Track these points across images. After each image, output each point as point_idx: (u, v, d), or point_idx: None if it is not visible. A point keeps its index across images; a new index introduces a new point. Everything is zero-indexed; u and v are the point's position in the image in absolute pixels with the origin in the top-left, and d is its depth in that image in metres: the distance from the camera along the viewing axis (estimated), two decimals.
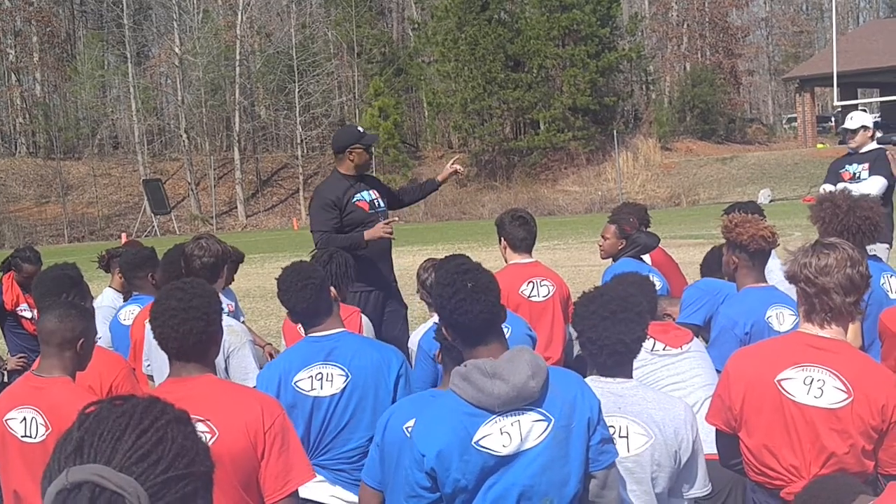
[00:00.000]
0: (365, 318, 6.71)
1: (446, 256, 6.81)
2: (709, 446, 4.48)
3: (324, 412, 5.05)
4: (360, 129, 8.57)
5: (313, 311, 5.19)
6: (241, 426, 3.81)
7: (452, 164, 8.86)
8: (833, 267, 4.02)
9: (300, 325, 5.46)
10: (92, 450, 1.79)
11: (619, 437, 4.17)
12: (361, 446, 5.04)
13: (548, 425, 3.66)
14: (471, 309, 3.74)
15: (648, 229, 8.58)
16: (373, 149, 8.58)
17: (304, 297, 5.14)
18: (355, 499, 4.94)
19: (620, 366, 4.23)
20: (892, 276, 6.10)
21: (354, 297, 7.41)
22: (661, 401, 4.34)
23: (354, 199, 8.23)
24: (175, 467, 1.82)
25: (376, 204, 8.29)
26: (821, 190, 10.15)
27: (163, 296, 4.01)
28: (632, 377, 4.32)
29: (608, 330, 4.13)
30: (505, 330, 5.76)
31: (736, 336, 5.51)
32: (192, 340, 3.90)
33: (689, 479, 4.33)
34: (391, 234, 8.08)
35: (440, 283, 3.87)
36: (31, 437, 4.43)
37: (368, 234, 7.98)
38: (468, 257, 6.72)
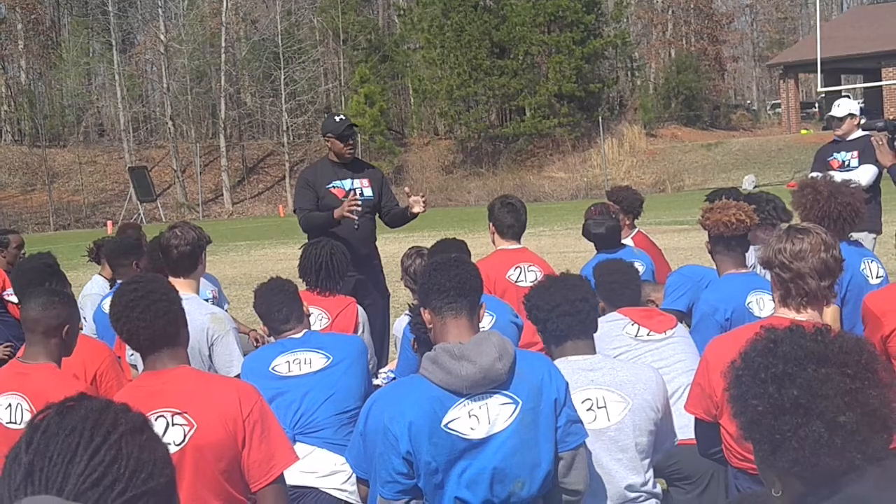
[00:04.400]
0: (360, 309, 6.75)
1: (442, 239, 6.88)
2: (689, 432, 4.53)
3: (304, 389, 5.15)
4: (339, 118, 8.49)
5: (286, 318, 5.40)
6: (219, 416, 3.81)
7: (414, 205, 8.31)
8: (807, 251, 4.05)
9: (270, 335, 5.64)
10: (42, 476, 1.68)
11: (598, 407, 4.26)
12: (346, 412, 5.17)
13: (515, 408, 3.73)
14: (446, 273, 3.92)
15: (637, 218, 8.60)
16: (356, 138, 8.46)
17: (277, 301, 5.40)
18: (337, 463, 5.03)
19: (573, 329, 4.36)
20: (871, 260, 6.13)
21: None
22: (629, 367, 4.50)
23: (330, 185, 8.26)
24: (133, 486, 1.70)
25: (358, 193, 8.25)
26: (808, 178, 10.13)
27: (117, 295, 4.00)
28: (595, 352, 4.43)
29: (553, 295, 4.34)
30: (489, 318, 5.85)
31: (717, 322, 5.54)
32: (162, 323, 3.89)
33: (665, 435, 4.49)
34: (355, 208, 7.95)
35: (430, 264, 4.08)
36: (15, 423, 4.45)
37: (336, 212, 8.01)
38: (464, 242, 6.77)
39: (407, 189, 8.48)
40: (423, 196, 8.34)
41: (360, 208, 7.98)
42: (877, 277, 6.03)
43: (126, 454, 1.72)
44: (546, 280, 4.59)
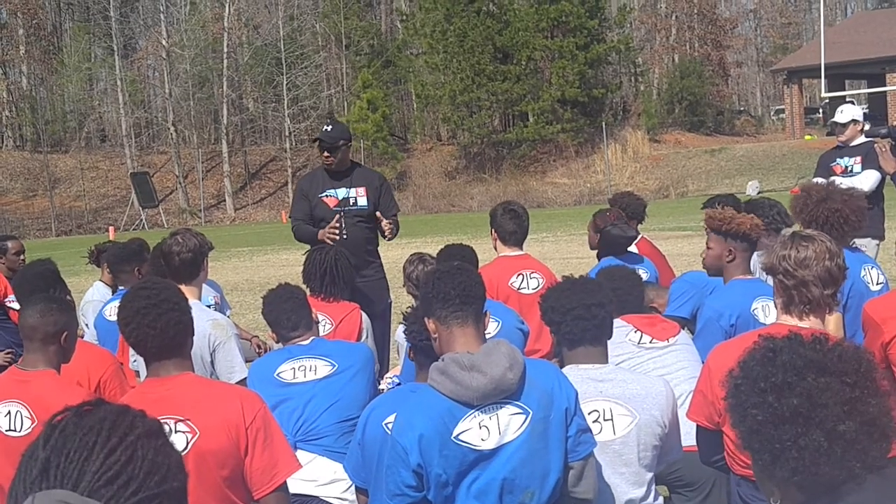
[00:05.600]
0: (364, 315, 6.73)
1: (449, 245, 6.86)
2: (691, 439, 4.51)
3: (308, 396, 5.18)
4: (326, 127, 8.38)
5: (294, 325, 5.44)
6: (222, 424, 3.80)
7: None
8: (812, 259, 4.03)
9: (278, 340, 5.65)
10: (58, 472, 1.70)
11: (604, 420, 4.22)
12: (349, 420, 5.14)
13: (525, 418, 3.69)
14: (450, 281, 3.88)
15: (640, 224, 8.55)
16: (338, 154, 8.24)
17: (287, 308, 5.44)
18: (337, 471, 5.01)
19: (587, 334, 4.31)
20: (872, 267, 6.11)
21: None
22: (640, 380, 4.44)
23: (322, 194, 8.20)
24: (146, 487, 1.73)
25: (351, 202, 8.14)
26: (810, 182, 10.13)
27: (128, 299, 3.97)
28: (607, 361, 4.38)
29: (569, 298, 4.29)
30: (495, 323, 5.83)
31: (721, 328, 5.51)
32: (172, 333, 3.88)
33: (670, 449, 4.46)
34: (335, 235, 7.82)
35: (433, 273, 4.05)
36: (15, 430, 4.43)
37: (319, 234, 7.95)
38: (471, 248, 6.74)
39: (378, 213, 8.24)
40: (389, 224, 8.14)
41: (337, 236, 7.84)
42: (877, 284, 6.01)
43: (141, 456, 1.74)
44: (564, 282, 4.55)
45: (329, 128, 8.34)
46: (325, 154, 8.24)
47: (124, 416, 1.80)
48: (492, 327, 5.82)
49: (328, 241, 7.77)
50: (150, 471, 1.74)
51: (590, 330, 4.31)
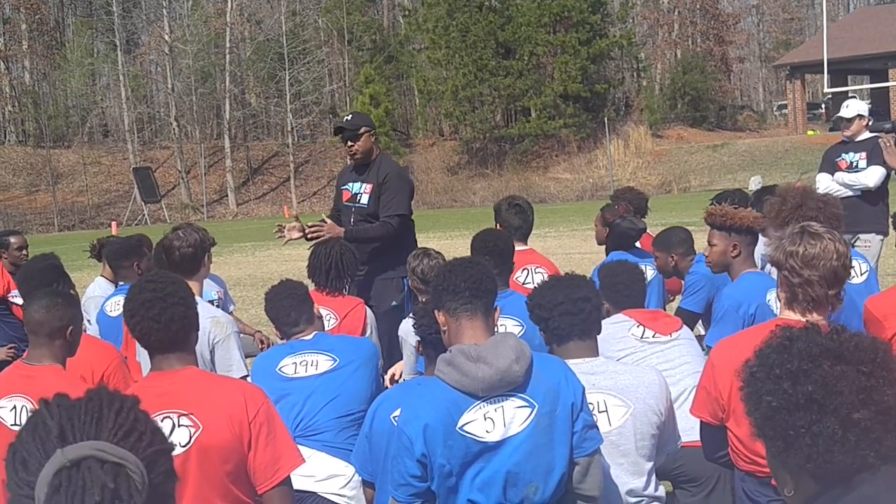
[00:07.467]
0: (369, 310, 6.71)
1: (485, 230, 6.76)
2: (695, 434, 4.50)
3: (308, 391, 5.16)
4: (347, 118, 8.18)
5: (295, 321, 5.43)
6: (225, 418, 3.79)
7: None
8: (819, 258, 4.01)
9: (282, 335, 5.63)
10: (77, 432, 1.74)
11: (599, 412, 4.23)
12: (349, 415, 5.15)
13: (531, 411, 3.70)
14: (461, 274, 3.90)
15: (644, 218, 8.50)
16: (357, 140, 7.96)
17: (288, 304, 5.43)
18: (335, 467, 5.00)
19: (574, 328, 4.32)
20: (853, 258, 6.10)
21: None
22: (632, 371, 4.47)
23: (344, 186, 8.17)
24: (157, 441, 1.80)
25: (357, 198, 7.98)
26: (816, 179, 10.10)
27: (134, 291, 3.96)
28: (597, 355, 4.40)
29: (555, 294, 4.32)
30: (519, 327, 5.78)
31: (740, 317, 5.46)
32: (176, 327, 3.87)
33: (668, 438, 4.47)
34: (314, 233, 7.57)
35: (445, 265, 4.11)
36: (20, 425, 4.41)
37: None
38: (507, 235, 6.60)
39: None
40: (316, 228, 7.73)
41: (320, 234, 7.57)
42: (861, 274, 6.02)
43: (143, 417, 1.82)
44: (549, 279, 4.57)
45: (349, 116, 8.20)
46: (349, 143, 7.98)
47: (107, 390, 1.86)
48: (516, 331, 5.78)
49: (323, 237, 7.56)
50: (155, 429, 1.82)
51: (577, 324, 4.32)
